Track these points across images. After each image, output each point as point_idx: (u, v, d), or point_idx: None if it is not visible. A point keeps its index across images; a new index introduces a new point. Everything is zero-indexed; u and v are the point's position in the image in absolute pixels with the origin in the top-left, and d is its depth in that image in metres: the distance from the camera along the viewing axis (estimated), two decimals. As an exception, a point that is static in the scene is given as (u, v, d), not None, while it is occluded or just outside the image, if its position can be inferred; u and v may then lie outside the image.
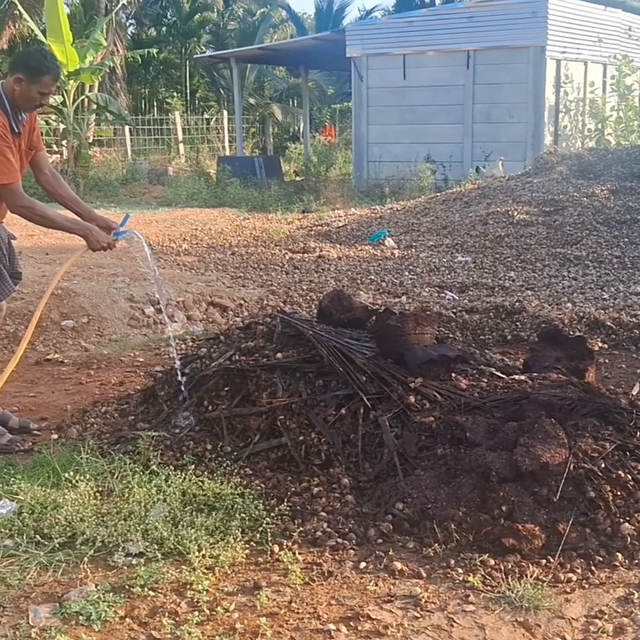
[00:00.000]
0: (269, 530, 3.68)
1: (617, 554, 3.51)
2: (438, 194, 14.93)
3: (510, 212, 11.84)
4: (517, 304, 7.71)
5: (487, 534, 3.63)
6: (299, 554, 3.55)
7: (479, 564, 3.47)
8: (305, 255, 10.97)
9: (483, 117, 18.45)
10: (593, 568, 3.44)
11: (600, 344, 6.83)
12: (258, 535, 3.66)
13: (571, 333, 6.93)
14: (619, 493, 3.70)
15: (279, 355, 4.82)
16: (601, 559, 3.50)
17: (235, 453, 4.45)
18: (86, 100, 21.86)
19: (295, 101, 37.96)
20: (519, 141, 17.91)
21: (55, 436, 4.89)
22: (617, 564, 3.46)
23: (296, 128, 35.65)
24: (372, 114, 19.93)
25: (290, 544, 3.61)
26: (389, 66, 19.46)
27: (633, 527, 3.59)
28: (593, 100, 19.13)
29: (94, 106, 22.33)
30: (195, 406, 4.78)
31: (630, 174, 12.91)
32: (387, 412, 4.34)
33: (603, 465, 3.79)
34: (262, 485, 4.13)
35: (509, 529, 3.59)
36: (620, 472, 3.76)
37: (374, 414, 4.35)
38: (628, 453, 3.87)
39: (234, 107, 24.38)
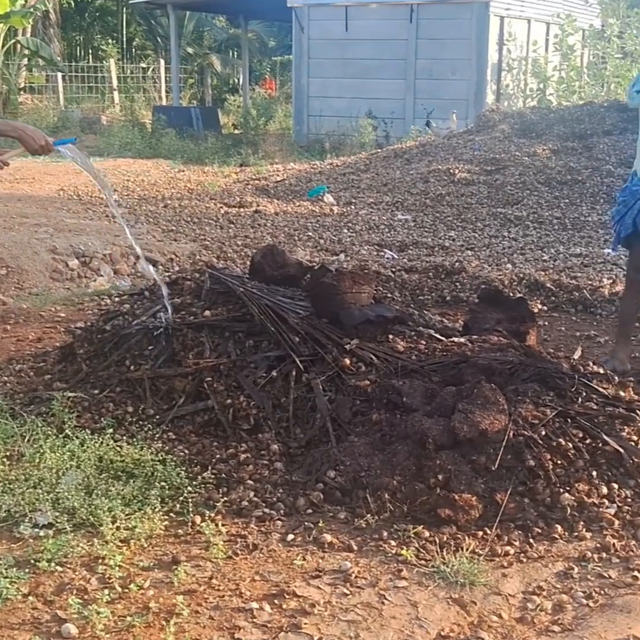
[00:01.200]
0: (191, 499, 3.43)
1: (557, 525, 3.35)
2: (379, 150, 14.65)
3: (451, 171, 11.64)
4: (457, 264, 7.53)
5: (422, 504, 3.44)
6: (223, 525, 3.31)
7: (413, 536, 3.28)
8: (242, 209, 10.64)
9: (425, 73, 18.16)
10: (531, 540, 3.28)
11: (540, 306, 6.69)
12: (179, 505, 3.41)
13: (512, 294, 6.78)
14: (559, 462, 3.53)
15: (206, 313, 4.55)
16: (540, 530, 3.33)
17: (158, 416, 4.19)
18: (17, 45, 21.00)
19: (235, 52, 37.09)
20: (461, 99, 17.66)
21: (-38, 395, 4.56)
22: (557, 536, 3.30)
23: (236, 80, 34.92)
24: (313, 66, 19.48)
25: (213, 514, 3.37)
26: (331, 17, 18.99)
27: (573, 498, 3.43)
28: (535, 60, 18.96)
29: (26, 51, 21.49)
30: (116, 365, 4.50)
31: (572, 134, 12.79)
32: (321, 375, 4.11)
33: (543, 433, 3.62)
34: (186, 451, 3.89)
35: (445, 499, 3.41)
36: (560, 440, 3.60)
37: (306, 377, 4.12)
38: (569, 420, 3.70)
39: (171, 56, 23.68)
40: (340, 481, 3.59)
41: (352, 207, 10.82)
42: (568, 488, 3.45)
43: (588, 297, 6.78)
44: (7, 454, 3.71)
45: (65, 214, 9.65)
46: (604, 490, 3.46)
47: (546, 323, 6.35)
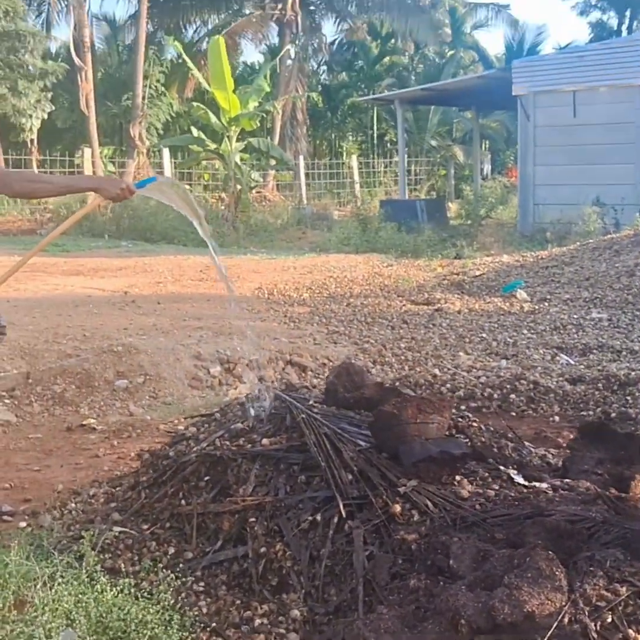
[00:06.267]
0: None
1: None
2: (590, 241, 13.61)
3: (662, 262, 10.50)
4: (632, 373, 6.53)
5: None
6: None
7: None
8: (425, 307, 10.08)
9: (657, 157, 16.94)
10: None
11: None
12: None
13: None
14: (627, 665, 2.68)
15: (265, 441, 4.08)
16: None
17: (195, 560, 3.74)
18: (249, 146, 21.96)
19: (482, 143, 37.05)
20: (698, 182, 16.26)
21: (24, 524, 4.31)
22: None
23: (481, 170, 34.79)
24: (539, 154, 18.80)
25: None
26: (558, 104, 18.33)
27: None
28: None
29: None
30: (171, 497, 4.11)
31: None
32: (366, 523, 3.49)
33: (609, 619, 2.78)
34: (205, 609, 3.39)
35: None
36: (630, 629, 2.74)
37: (349, 525, 3.51)
38: (649, 604, 2.83)
39: (398, 148, 23.84)
40: (356, 666, 2.94)
41: (545, 303, 9.94)
42: None
43: None
44: (19, 600, 3.37)
45: (239, 315, 9.55)
46: None
47: None
